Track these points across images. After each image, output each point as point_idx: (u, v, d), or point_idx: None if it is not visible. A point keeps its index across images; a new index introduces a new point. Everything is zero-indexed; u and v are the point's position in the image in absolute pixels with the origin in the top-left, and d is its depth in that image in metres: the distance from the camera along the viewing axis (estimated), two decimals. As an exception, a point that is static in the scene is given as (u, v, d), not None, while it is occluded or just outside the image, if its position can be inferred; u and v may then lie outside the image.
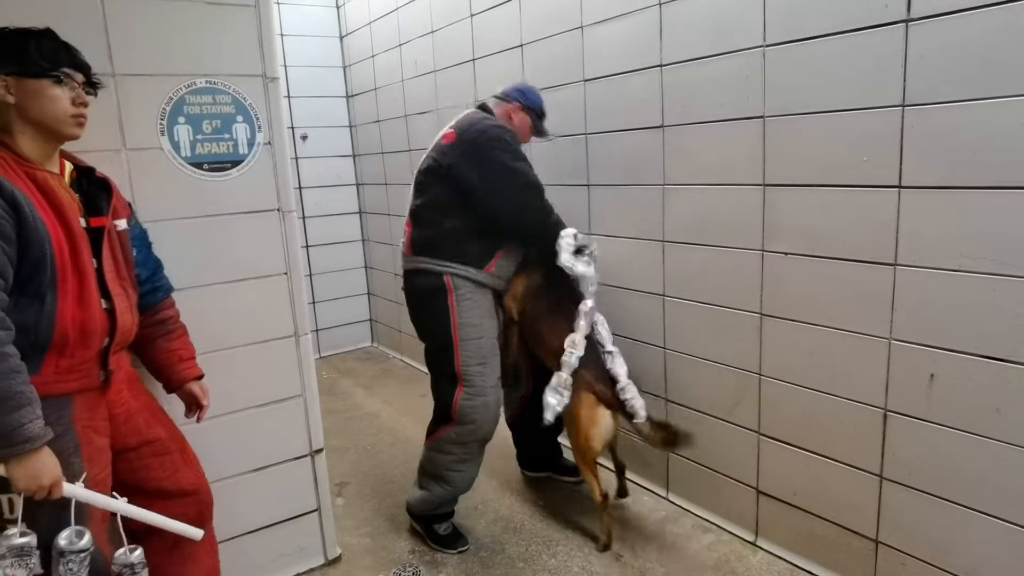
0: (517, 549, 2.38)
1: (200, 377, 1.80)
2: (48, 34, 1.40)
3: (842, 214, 1.89)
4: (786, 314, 2.09)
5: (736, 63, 2.07)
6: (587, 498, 2.68)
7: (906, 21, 1.66)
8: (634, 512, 2.57)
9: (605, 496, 2.36)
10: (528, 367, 2.67)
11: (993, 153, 1.56)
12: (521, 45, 2.96)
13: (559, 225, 2.35)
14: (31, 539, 1.32)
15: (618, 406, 2.33)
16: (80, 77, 1.43)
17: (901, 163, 1.72)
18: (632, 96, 2.45)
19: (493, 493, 2.70)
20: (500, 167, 2.26)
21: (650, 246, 2.49)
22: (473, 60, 3.32)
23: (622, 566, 2.26)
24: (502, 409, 2.40)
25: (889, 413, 1.87)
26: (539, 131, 2.53)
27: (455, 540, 2.45)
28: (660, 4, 2.27)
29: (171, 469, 1.68)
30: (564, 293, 2.39)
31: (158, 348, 1.73)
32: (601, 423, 2.32)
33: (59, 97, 1.38)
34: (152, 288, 1.71)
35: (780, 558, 2.23)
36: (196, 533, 1.64)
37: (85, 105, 1.43)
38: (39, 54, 1.36)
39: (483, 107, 2.48)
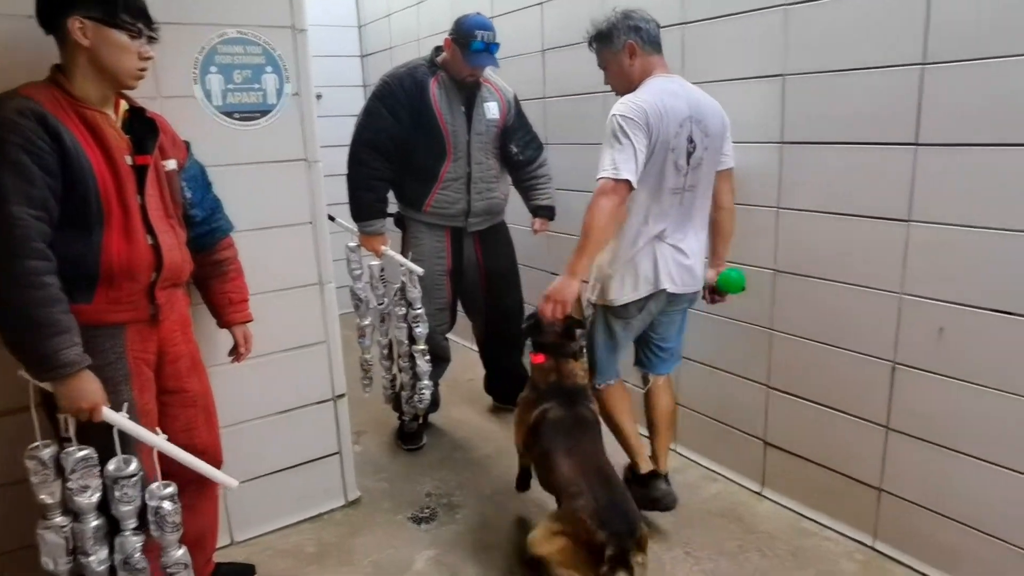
0: (531, 494, 2.46)
1: (247, 322, 1.87)
2: None
3: (858, 171, 1.92)
4: (800, 270, 2.14)
5: (758, 20, 2.09)
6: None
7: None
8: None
9: None
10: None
11: (1005, 112, 1.60)
12: (541, 3, 2.96)
13: (362, 204, 2.55)
14: (90, 451, 1.40)
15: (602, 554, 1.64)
16: (149, 34, 1.47)
17: (919, 121, 1.76)
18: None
19: (508, 443, 2.77)
20: (360, 115, 2.56)
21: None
22: (491, 17, 3.31)
23: (632, 512, 2.34)
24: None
25: (897, 366, 1.93)
26: (469, 60, 2.48)
27: (410, 439, 2.85)
28: (683, -39, 2.28)
29: (191, 424, 1.70)
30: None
31: (212, 288, 1.81)
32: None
33: (131, 50, 1.43)
34: (209, 229, 1.76)
35: (786, 507, 2.32)
36: (231, 482, 1.57)
37: (149, 59, 1.48)
38: (125, 7, 1.40)
39: (438, 48, 2.60)
